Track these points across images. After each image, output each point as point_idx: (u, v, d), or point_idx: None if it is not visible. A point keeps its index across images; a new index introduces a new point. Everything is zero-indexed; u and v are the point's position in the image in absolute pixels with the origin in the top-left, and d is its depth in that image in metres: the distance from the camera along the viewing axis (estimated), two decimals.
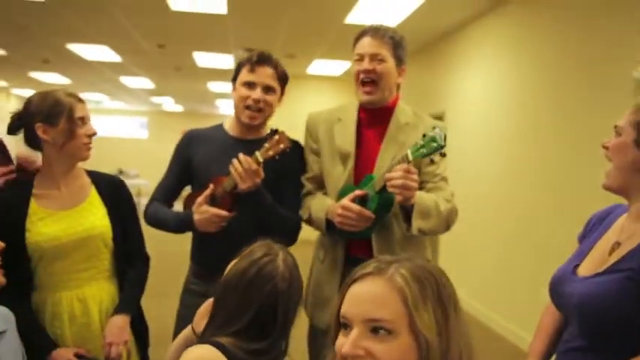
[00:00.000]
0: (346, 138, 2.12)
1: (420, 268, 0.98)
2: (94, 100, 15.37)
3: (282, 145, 1.99)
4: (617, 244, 1.46)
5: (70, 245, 1.88)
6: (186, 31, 6.42)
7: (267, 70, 2.14)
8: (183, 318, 2.18)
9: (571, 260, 1.58)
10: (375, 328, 0.92)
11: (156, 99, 15.00)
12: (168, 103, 16.17)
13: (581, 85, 3.71)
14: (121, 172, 13.72)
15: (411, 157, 1.83)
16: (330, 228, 2.05)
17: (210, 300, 1.53)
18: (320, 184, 2.19)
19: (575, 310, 1.42)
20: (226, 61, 8.37)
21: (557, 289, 1.54)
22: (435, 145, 1.78)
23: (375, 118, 2.12)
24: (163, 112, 18.26)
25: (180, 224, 2.16)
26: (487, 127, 5.17)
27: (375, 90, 2.05)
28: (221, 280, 1.43)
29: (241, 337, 1.32)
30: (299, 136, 2.26)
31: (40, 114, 1.85)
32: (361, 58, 2.06)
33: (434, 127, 1.83)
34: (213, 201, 2.10)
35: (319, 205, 2.12)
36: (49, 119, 1.85)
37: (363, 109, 2.14)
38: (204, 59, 8.31)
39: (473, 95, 5.52)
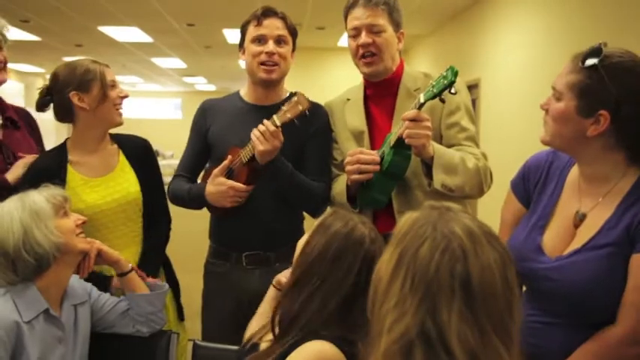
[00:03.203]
0: (356, 116, 2.01)
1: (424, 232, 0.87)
2: (128, 82, 15.54)
3: (300, 107, 1.82)
4: (582, 215, 1.38)
5: (110, 212, 1.93)
6: (214, 8, 6.39)
7: (276, 22, 2.03)
8: (209, 300, 2.16)
9: (528, 230, 1.47)
10: None
11: (188, 79, 15.08)
12: (201, 83, 16.25)
13: (618, 46, 3.55)
14: (157, 153, 13.93)
15: (422, 100, 1.69)
16: (352, 201, 1.94)
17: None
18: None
19: (560, 297, 1.35)
20: None
21: (521, 265, 1.41)
22: (444, 82, 1.63)
23: (382, 92, 2.00)
24: (197, 92, 18.34)
25: (194, 198, 2.06)
26: (523, 93, 5.03)
27: (378, 61, 1.91)
28: (303, 259, 1.33)
29: (342, 327, 1.27)
30: None
31: (72, 83, 1.90)
32: (357, 32, 1.91)
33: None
34: (229, 174, 1.99)
35: (341, 179, 2.02)
36: (83, 86, 1.90)
37: (369, 84, 2.02)
38: (234, 36, 8.25)
39: (508, 61, 5.37)
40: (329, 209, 1.44)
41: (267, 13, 2.03)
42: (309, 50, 8.59)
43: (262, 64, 2.01)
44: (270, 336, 1.41)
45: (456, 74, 1.61)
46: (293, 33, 2.08)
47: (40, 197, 1.60)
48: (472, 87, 6.34)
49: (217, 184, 1.95)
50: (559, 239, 1.40)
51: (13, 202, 1.58)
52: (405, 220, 0.92)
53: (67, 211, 1.67)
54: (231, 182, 1.94)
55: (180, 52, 10.19)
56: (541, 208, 1.48)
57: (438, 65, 7.71)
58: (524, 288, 1.53)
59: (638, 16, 3.38)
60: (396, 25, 1.94)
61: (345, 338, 1.25)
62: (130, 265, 1.81)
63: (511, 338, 0.84)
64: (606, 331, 1.30)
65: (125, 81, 15.00)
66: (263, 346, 1.42)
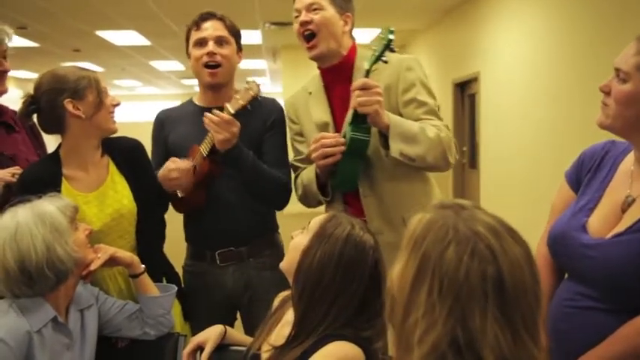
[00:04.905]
0: (319, 108, 2.04)
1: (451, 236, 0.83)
2: (127, 86, 15.55)
3: (251, 93, 1.89)
4: (631, 200, 1.35)
5: (105, 227, 1.87)
6: (212, 9, 6.37)
7: (215, 23, 2.07)
8: (187, 299, 2.14)
9: (574, 212, 1.46)
10: None
11: (187, 81, 15.07)
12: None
13: (618, 39, 3.55)
14: None
15: (367, 66, 1.75)
16: (322, 189, 1.98)
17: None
18: (311, 164, 2.07)
19: (600, 277, 1.33)
20: (254, 37, 8.31)
21: (563, 243, 1.43)
22: (383, 42, 1.70)
23: (338, 77, 2.01)
24: (195, 94, 18.28)
25: None
26: (522, 87, 5.03)
27: (317, 42, 1.94)
28: (308, 268, 1.32)
29: (354, 325, 1.28)
30: None
31: (66, 90, 1.81)
32: (299, 14, 1.97)
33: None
34: (194, 171, 2.01)
35: (308, 170, 2.04)
36: (78, 93, 1.82)
37: (324, 72, 2.05)
38: None
39: (507, 55, 5.37)
40: (326, 214, 1.41)
41: (205, 16, 2.08)
42: (296, 48, 8.54)
43: (206, 66, 2.04)
44: (267, 346, 1.41)
45: (391, 32, 1.68)
46: (235, 33, 2.11)
47: (54, 209, 1.56)
48: (472, 81, 6.34)
49: (163, 170, 1.99)
50: (605, 222, 1.38)
51: (29, 216, 1.52)
52: (418, 221, 0.88)
53: (77, 224, 1.66)
54: (171, 165, 1.96)
55: (179, 55, 10.17)
56: (591, 192, 1.46)
57: (436, 60, 7.70)
58: (566, 275, 1.52)
59: (637, 7, 3.37)
60: (339, 7, 1.97)
61: (362, 336, 1.26)
62: (143, 266, 1.80)
63: (538, 330, 0.82)
64: None
65: (124, 85, 15.01)
66: (264, 356, 1.41)
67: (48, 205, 1.57)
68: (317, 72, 2.10)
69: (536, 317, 0.82)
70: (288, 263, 1.40)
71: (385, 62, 1.77)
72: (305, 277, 1.32)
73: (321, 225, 1.36)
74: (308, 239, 1.35)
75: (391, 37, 1.68)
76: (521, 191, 4.97)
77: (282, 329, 1.43)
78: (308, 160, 2.08)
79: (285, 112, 2.18)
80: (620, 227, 1.34)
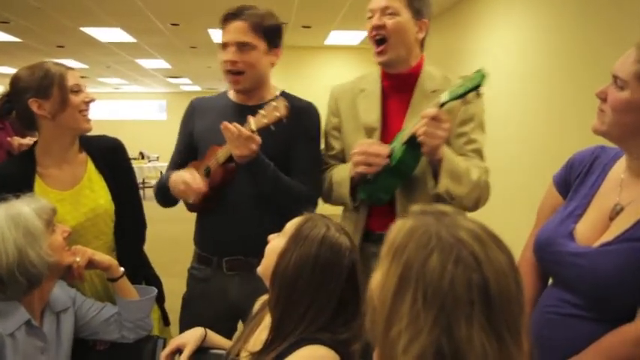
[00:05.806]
0: (370, 111, 1.94)
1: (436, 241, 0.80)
2: (112, 84, 15.43)
3: (277, 114, 1.73)
4: (620, 208, 1.34)
5: (80, 228, 1.83)
6: (199, 7, 6.33)
7: (238, 25, 1.89)
8: (187, 303, 2.10)
9: (562, 218, 1.45)
10: None
11: (173, 80, 14.99)
12: (186, 84, 16.17)
13: (612, 41, 3.57)
14: (142, 155, 13.86)
15: (445, 99, 1.64)
16: (351, 193, 1.88)
17: None
18: (342, 162, 2.01)
19: (587, 286, 1.32)
20: None
21: (550, 250, 1.42)
22: (470, 84, 1.59)
23: (399, 86, 1.93)
24: (181, 93, 18.26)
25: (162, 186, 1.99)
26: (513, 92, 5.04)
27: (387, 48, 1.84)
28: (284, 271, 1.29)
29: (331, 329, 1.26)
30: (319, 109, 2.07)
31: (31, 89, 1.75)
32: (372, 15, 1.87)
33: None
34: (207, 173, 1.93)
35: (342, 168, 1.94)
36: (41, 92, 1.75)
37: (386, 76, 1.95)
38: (220, 36, 8.16)
39: (497, 58, 5.37)
40: (302, 216, 1.38)
41: (229, 16, 1.92)
42: (295, 49, 8.56)
43: (228, 72, 1.93)
44: (245, 351, 1.38)
45: (483, 78, 1.58)
46: (265, 31, 1.94)
47: (30, 212, 1.52)
48: None
49: (177, 175, 1.88)
50: (592, 230, 1.37)
51: (2, 218, 1.49)
52: (399, 229, 0.85)
53: (54, 226, 1.61)
54: (187, 178, 1.84)
55: (165, 53, 10.11)
56: (579, 198, 1.45)
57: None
58: (550, 280, 1.51)
59: (628, 12, 3.38)
60: (416, 12, 1.87)
61: (338, 340, 1.24)
62: (122, 270, 1.75)
63: (521, 336, 0.81)
64: (624, 328, 1.26)
65: (108, 82, 14.88)
66: None
67: (23, 207, 1.53)
68: (375, 70, 2.00)
69: (520, 323, 0.81)
70: (265, 267, 1.37)
71: (465, 103, 1.69)
72: (281, 281, 1.30)
73: (297, 227, 1.34)
74: (284, 242, 1.33)
75: (481, 82, 1.59)
76: (510, 196, 4.98)
77: (260, 334, 1.41)
78: (338, 158, 2.02)
79: (328, 101, 2.07)
80: (608, 236, 1.33)
